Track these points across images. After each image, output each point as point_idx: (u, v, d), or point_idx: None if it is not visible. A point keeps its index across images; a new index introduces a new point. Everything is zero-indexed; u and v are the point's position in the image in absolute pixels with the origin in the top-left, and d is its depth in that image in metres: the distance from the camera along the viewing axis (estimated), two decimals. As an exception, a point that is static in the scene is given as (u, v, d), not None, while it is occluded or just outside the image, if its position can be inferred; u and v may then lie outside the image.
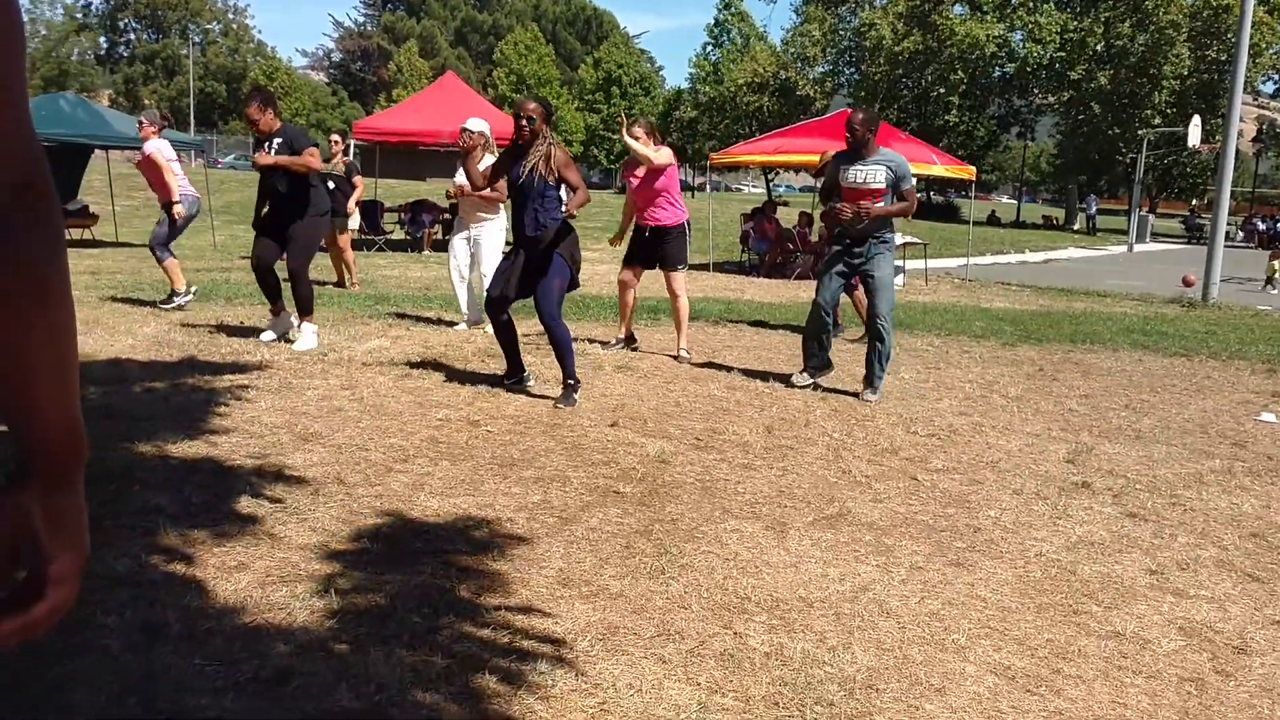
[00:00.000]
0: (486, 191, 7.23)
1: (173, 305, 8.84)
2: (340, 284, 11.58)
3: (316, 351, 7.22)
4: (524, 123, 5.92)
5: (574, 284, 6.18)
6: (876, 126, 6.72)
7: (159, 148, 8.85)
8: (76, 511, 0.93)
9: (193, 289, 9.23)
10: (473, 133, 7.99)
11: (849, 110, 8.47)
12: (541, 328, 6.17)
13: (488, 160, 8.04)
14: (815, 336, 6.90)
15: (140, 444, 4.65)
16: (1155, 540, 4.13)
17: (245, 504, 3.93)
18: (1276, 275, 19.40)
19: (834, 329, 7.00)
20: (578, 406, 5.98)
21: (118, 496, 3.90)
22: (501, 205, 8.26)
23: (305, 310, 7.40)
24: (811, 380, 6.95)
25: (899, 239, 16.42)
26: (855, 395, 6.75)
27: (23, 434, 0.89)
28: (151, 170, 8.82)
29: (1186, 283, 16.50)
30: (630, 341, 8.24)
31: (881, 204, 6.51)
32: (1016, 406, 6.72)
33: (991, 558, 3.83)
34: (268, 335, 7.64)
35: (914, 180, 6.67)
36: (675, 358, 7.87)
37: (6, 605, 0.90)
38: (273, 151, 7.27)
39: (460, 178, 8.09)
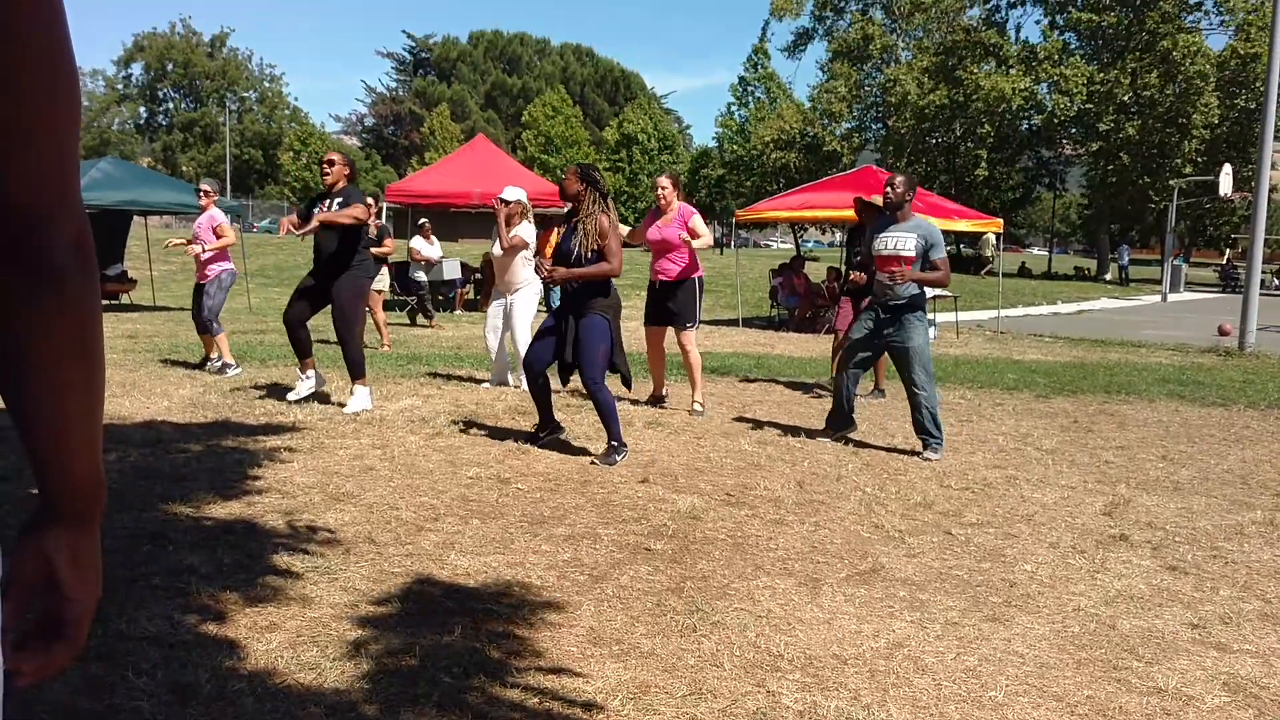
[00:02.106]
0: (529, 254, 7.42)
1: (222, 373, 8.96)
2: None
3: (370, 412, 7.28)
4: (570, 191, 6.14)
5: (613, 364, 6.13)
6: (914, 190, 6.74)
7: (212, 219, 9.16)
8: (93, 554, 0.98)
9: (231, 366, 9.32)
10: (508, 202, 8.14)
11: (874, 167, 8.57)
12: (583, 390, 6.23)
13: (525, 226, 8.17)
14: (840, 399, 6.88)
15: (174, 505, 4.69)
16: (1196, 593, 4.05)
17: (277, 564, 3.94)
18: None
19: (855, 387, 6.94)
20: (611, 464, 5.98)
21: (151, 558, 3.93)
22: (536, 272, 8.34)
23: (357, 374, 7.40)
24: (837, 436, 6.92)
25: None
26: (889, 456, 6.71)
27: (49, 477, 0.93)
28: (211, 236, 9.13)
29: (1223, 331, 16.32)
30: (658, 400, 8.21)
31: (915, 270, 6.49)
32: (1051, 459, 6.65)
33: (1028, 613, 3.77)
34: (295, 394, 7.66)
35: (945, 250, 6.64)
36: (690, 411, 7.86)
37: (23, 644, 0.94)
38: (332, 207, 7.39)
39: (495, 250, 8.26)
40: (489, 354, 8.85)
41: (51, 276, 0.86)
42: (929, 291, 7.21)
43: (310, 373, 7.68)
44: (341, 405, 7.49)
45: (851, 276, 6.77)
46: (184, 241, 9.48)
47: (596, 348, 5.98)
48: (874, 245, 6.71)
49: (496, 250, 8.29)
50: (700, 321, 8.09)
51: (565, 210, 6.35)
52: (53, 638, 0.94)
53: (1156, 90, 40.78)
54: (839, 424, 6.96)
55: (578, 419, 7.25)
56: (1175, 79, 40.54)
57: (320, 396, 7.90)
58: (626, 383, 6.46)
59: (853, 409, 6.95)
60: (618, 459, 6.03)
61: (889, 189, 6.64)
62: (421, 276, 15.11)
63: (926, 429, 6.56)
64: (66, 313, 0.87)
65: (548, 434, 6.42)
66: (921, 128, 47.32)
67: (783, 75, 62.11)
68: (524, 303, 8.32)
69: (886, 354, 6.90)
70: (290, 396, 7.67)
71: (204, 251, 9.01)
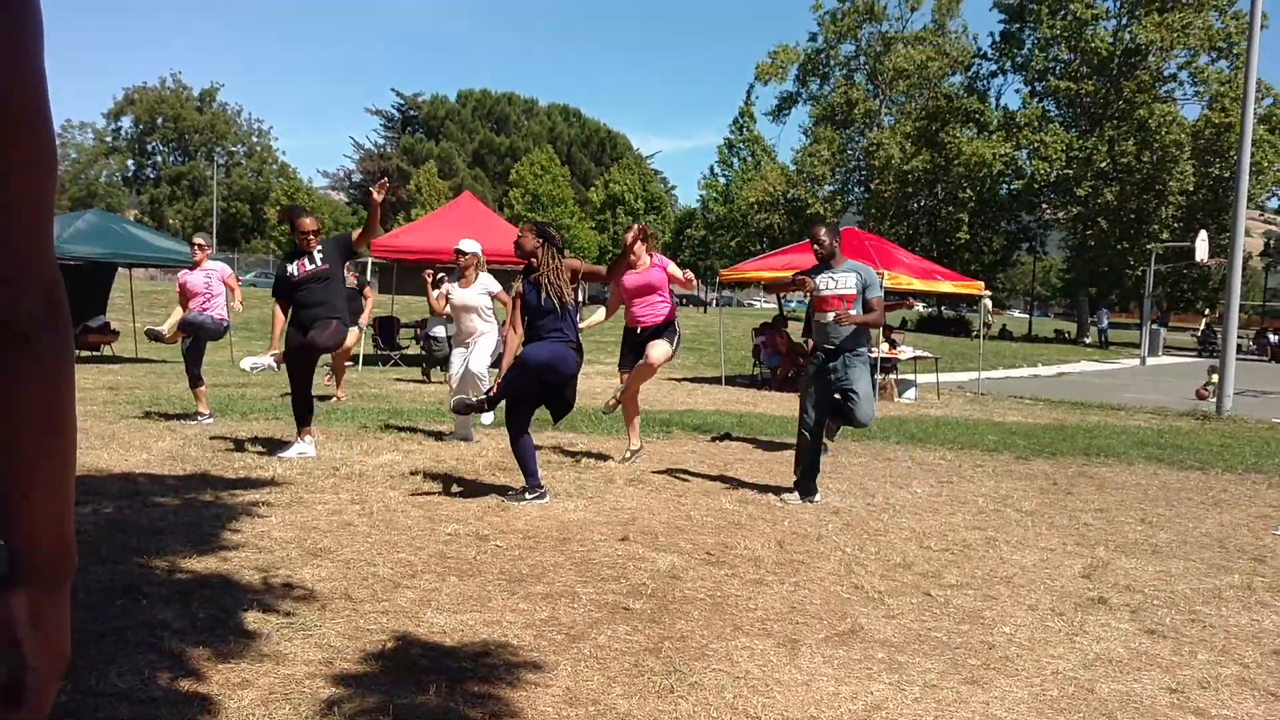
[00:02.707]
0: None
1: (196, 425, 8.97)
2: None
3: (303, 460, 7.35)
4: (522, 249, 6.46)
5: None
6: (839, 236, 6.95)
7: (206, 274, 9.29)
8: (61, 620, 0.94)
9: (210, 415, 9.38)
10: (465, 253, 8.54)
11: (857, 229, 8.74)
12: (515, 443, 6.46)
13: (483, 277, 8.52)
14: (807, 459, 6.88)
15: (149, 558, 4.65)
16: (1175, 658, 4.05)
17: (251, 620, 3.90)
18: None
19: (819, 446, 6.96)
20: (584, 519, 5.97)
21: (125, 611, 3.89)
22: (495, 319, 8.57)
23: (303, 422, 7.58)
24: (799, 501, 6.88)
25: (909, 353, 16.55)
26: (867, 509, 6.72)
27: (14, 539, 0.91)
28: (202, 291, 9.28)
29: (1200, 395, 16.46)
30: (634, 454, 8.20)
31: (855, 311, 6.61)
32: (1030, 521, 6.66)
33: (1007, 675, 3.76)
34: (293, 453, 7.61)
35: (882, 291, 6.84)
36: (623, 458, 8.05)
37: None
38: (319, 258, 7.54)
39: (456, 294, 8.51)
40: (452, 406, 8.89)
41: (22, 335, 0.86)
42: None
43: (308, 438, 7.68)
44: (326, 459, 7.47)
45: (794, 280, 6.90)
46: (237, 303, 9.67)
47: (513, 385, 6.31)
48: (815, 289, 6.82)
49: (458, 298, 8.54)
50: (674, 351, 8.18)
51: (523, 267, 6.52)
52: (14, 704, 0.91)
53: (1133, 157, 41.55)
54: (807, 489, 6.92)
55: (559, 475, 7.24)
56: (1152, 147, 41.33)
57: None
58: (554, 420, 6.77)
59: (813, 472, 6.95)
60: (529, 498, 6.35)
61: (815, 245, 6.83)
62: (441, 331, 14.80)
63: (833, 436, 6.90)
64: (36, 372, 0.87)
65: (528, 493, 6.45)
66: (904, 191, 47.99)
67: (767, 138, 62.91)
68: (483, 348, 8.53)
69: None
70: (281, 455, 7.60)
71: (240, 304, 9.49)
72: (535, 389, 6.28)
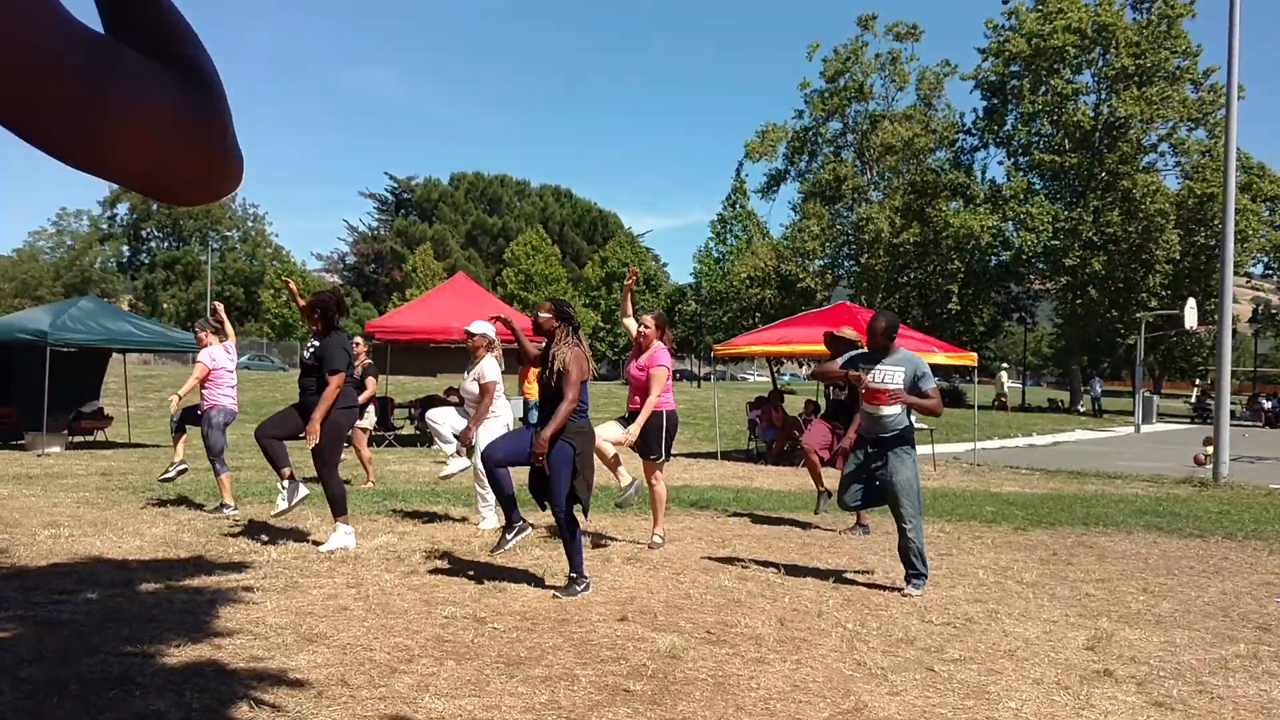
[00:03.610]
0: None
1: (219, 514, 8.84)
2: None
3: (351, 551, 7.19)
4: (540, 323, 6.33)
5: (574, 494, 6.07)
6: (896, 333, 6.79)
7: (212, 356, 9.21)
8: None
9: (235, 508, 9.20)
10: (473, 335, 8.41)
11: (849, 303, 8.76)
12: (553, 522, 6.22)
13: (490, 359, 8.39)
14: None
15: (142, 646, 4.59)
16: (1184, 731, 3.99)
17: (247, 709, 3.84)
18: None
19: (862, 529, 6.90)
20: (585, 599, 5.91)
21: (116, 702, 3.83)
22: (501, 401, 8.48)
23: (339, 510, 7.33)
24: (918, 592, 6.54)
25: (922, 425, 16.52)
26: (868, 584, 6.68)
27: None
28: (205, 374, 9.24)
29: (1198, 461, 16.45)
30: (625, 490, 8.13)
31: (898, 406, 6.51)
32: (1032, 593, 6.61)
33: (1015, 752, 3.70)
34: (276, 510, 7.52)
35: (934, 381, 6.67)
36: (650, 544, 7.88)
37: None
38: (309, 350, 7.51)
39: (470, 382, 8.36)
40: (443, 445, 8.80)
41: None
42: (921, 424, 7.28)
43: (288, 482, 7.49)
44: (317, 544, 7.41)
45: (850, 375, 6.73)
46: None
47: (561, 478, 5.99)
48: (867, 376, 6.67)
49: (470, 386, 8.41)
50: (669, 456, 8.07)
51: (543, 344, 6.46)
52: None
53: (1119, 228, 42.07)
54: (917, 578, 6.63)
55: (555, 556, 7.18)
56: (1137, 217, 41.86)
57: (296, 534, 7.82)
58: (584, 511, 6.27)
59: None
60: (579, 590, 6.05)
61: (871, 336, 6.73)
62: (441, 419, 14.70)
63: (912, 564, 6.49)
64: None
65: (512, 531, 6.41)
66: (895, 264, 48.45)
67: (758, 214, 63.56)
68: (489, 433, 8.38)
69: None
70: (274, 512, 7.56)
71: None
72: (540, 475, 6.17)
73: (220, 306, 9.66)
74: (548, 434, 5.92)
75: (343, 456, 7.91)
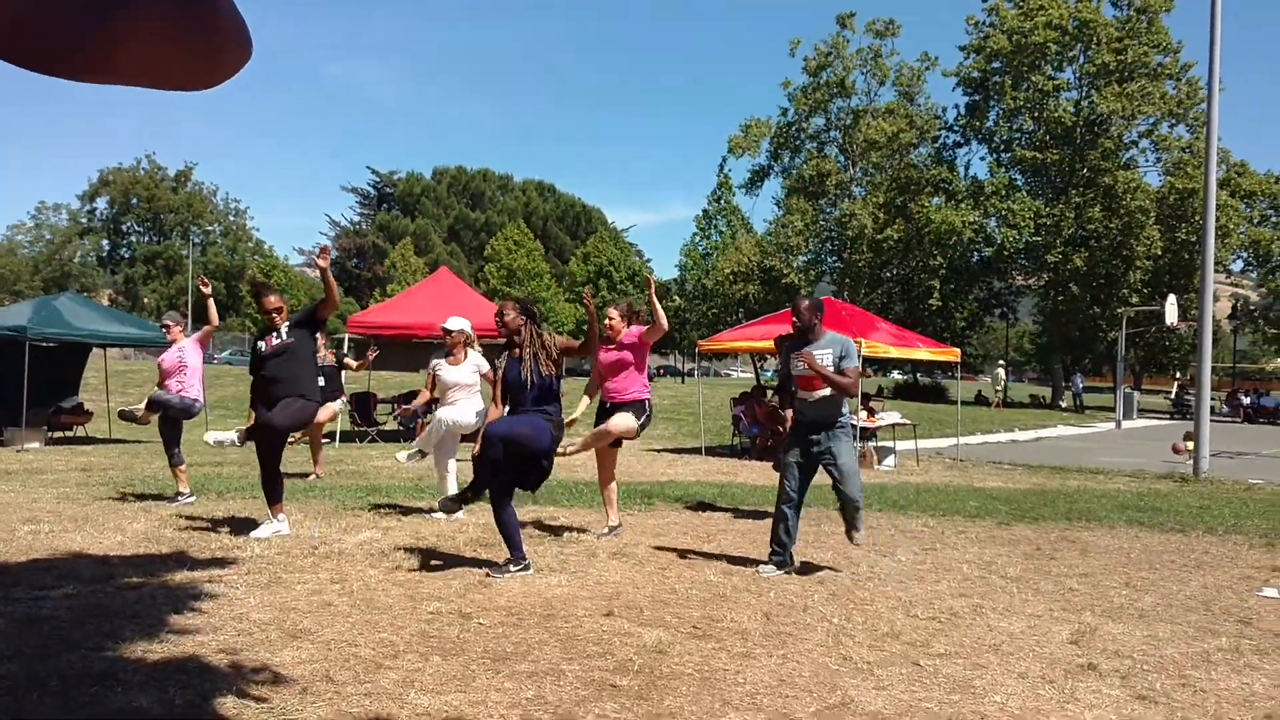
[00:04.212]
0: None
1: (175, 505, 8.84)
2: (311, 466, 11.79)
3: (281, 539, 7.26)
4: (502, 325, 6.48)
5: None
6: (822, 312, 7.00)
7: (180, 350, 9.15)
8: None
9: (192, 496, 9.25)
10: (451, 331, 8.51)
11: (833, 298, 8.79)
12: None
13: (472, 356, 8.46)
14: (781, 529, 6.86)
15: (124, 643, 4.55)
16: (1168, 724, 4.01)
17: (231, 705, 3.81)
18: None
19: (797, 517, 6.95)
20: (570, 593, 5.90)
21: (98, 699, 3.79)
22: (477, 389, 8.54)
23: (274, 500, 7.50)
24: (777, 573, 6.81)
25: (889, 418, 16.58)
26: (853, 579, 6.69)
27: None
28: (176, 369, 9.15)
29: (1176, 450, 16.55)
30: (614, 530, 8.09)
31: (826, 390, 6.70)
32: (1016, 587, 6.64)
33: (1001, 746, 3.71)
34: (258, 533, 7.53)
35: (858, 363, 6.90)
36: (600, 534, 7.96)
37: None
38: (285, 331, 7.50)
39: (446, 372, 8.43)
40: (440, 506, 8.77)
41: None
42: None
43: (283, 518, 7.58)
44: (304, 538, 7.38)
45: (781, 412, 6.95)
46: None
47: (541, 466, 6.32)
48: (793, 365, 6.84)
49: (449, 376, 8.47)
50: (634, 437, 8.10)
51: (504, 342, 6.54)
52: None
53: (1100, 224, 42.31)
54: (777, 557, 6.89)
55: (541, 550, 7.16)
56: (1118, 213, 42.12)
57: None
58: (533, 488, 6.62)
59: (790, 542, 6.90)
60: (514, 570, 6.30)
61: (795, 316, 6.90)
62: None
63: (855, 524, 6.85)
64: None
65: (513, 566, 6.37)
66: (878, 260, 48.58)
67: (743, 209, 63.56)
68: (467, 407, 8.48)
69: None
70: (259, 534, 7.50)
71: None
72: (507, 461, 6.23)
73: (206, 283, 9.49)
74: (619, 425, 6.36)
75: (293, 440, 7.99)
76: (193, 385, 9.18)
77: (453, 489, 8.56)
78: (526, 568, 6.34)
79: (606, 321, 7.94)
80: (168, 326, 9.41)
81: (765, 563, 6.93)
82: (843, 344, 6.83)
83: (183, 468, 9.14)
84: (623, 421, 7.81)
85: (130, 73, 0.85)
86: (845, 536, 7.02)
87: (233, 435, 7.74)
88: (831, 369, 6.64)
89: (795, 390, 6.86)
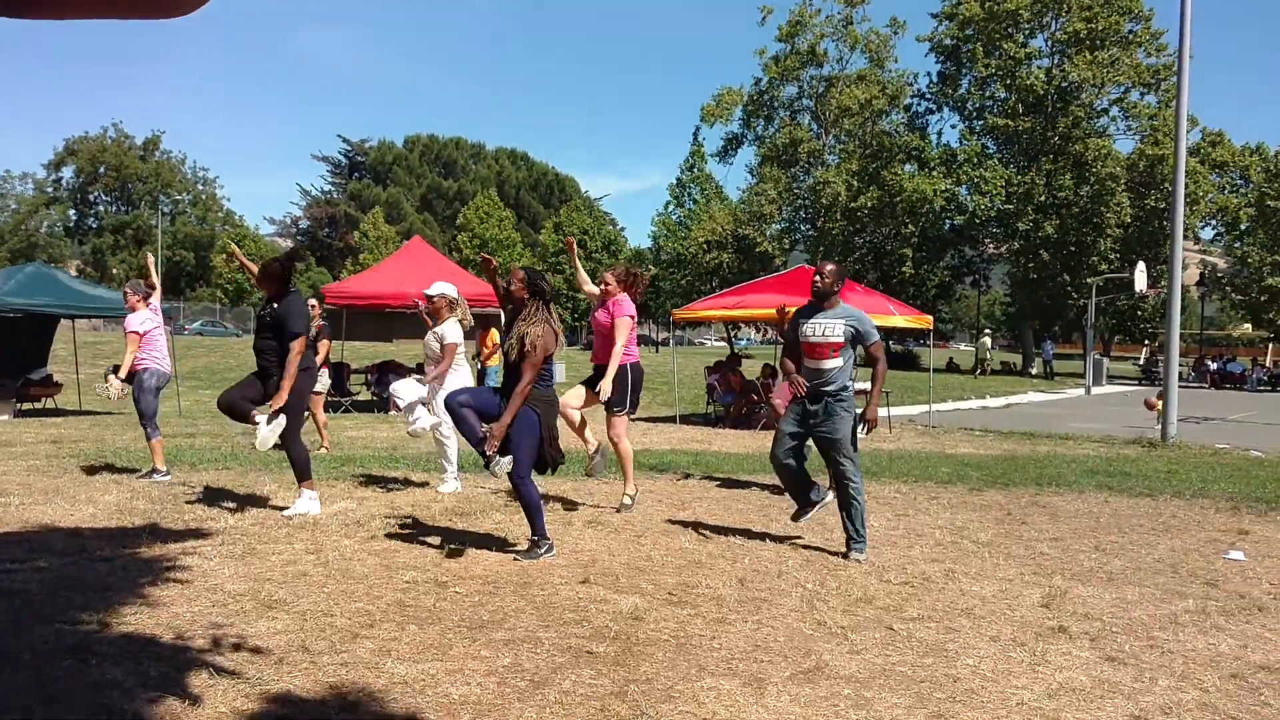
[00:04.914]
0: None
1: (149, 480, 8.69)
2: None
3: (313, 516, 7.10)
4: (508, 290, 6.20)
5: (543, 459, 6.05)
6: (843, 280, 6.69)
7: (139, 320, 8.92)
8: None
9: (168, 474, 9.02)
10: (431, 297, 8.33)
11: (806, 266, 8.67)
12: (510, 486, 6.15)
13: (452, 321, 8.28)
14: (791, 481, 6.77)
15: (97, 615, 4.52)
16: (1136, 684, 4.08)
17: (205, 677, 3.80)
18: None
19: (801, 462, 6.78)
20: (547, 562, 5.91)
21: (71, 673, 3.77)
22: (462, 362, 8.42)
23: (303, 476, 7.24)
24: (812, 515, 6.75)
25: (858, 386, 16.64)
26: (828, 552, 6.73)
27: None
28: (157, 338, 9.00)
29: (1149, 405, 16.69)
30: (592, 459, 8.01)
31: (839, 360, 6.45)
32: (988, 552, 6.71)
33: (972, 708, 3.76)
34: (262, 429, 7.05)
35: (878, 336, 6.61)
36: (619, 507, 7.86)
37: None
38: (274, 307, 7.24)
39: (433, 341, 8.28)
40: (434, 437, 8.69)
41: None
42: (857, 385, 7.23)
43: (260, 418, 7.08)
44: (278, 509, 7.34)
45: (790, 380, 6.64)
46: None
47: (522, 444, 5.89)
48: (802, 331, 6.57)
49: (433, 344, 8.35)
50: (632, 411, 8.03)
51: (507, 310, 6.35)
52: None
53: (1071, 191, 42.51)
54: (804, 503, 6.76)
55: (517, 520, 7.17)
56: (1088, 180, 42.33)
57: (253, 500, 7.74)
58: (553, 469, 6.23)
59: (810, 482, 6.76)
60: (541, 553, 6.03)
61: (818, 278, 6.56)
62: (404, 391, 14.46)
63: (856, 529, 6.45)
64: None
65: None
66: (851, 228, 48.65)
67: (716, 178, 63.41)
68: (450, 387, 8.33)
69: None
70: (259, 445, 7.07)
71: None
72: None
73: (150, 258, 9.22)
74: (500, 428, 5.84)
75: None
76: (154, 355, 9.00)
77: (452, 456, 8.50)
78: (551, 549, 6.14)
79: (603, 285, 7.91)
80: (126, 294, 9.23)
81: (811, 507, 6.76)
82: (858, 318, 6.52)
83: (158, 441, 8.94)
84: (620, 429, 7.87)
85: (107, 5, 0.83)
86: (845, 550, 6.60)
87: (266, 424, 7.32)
88: (843, 340, 6.44)
89: (802, 358, 6.59)
